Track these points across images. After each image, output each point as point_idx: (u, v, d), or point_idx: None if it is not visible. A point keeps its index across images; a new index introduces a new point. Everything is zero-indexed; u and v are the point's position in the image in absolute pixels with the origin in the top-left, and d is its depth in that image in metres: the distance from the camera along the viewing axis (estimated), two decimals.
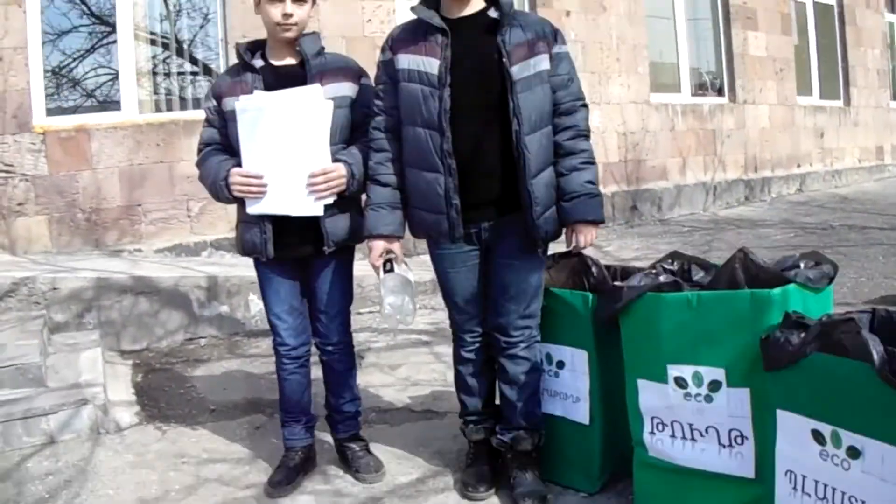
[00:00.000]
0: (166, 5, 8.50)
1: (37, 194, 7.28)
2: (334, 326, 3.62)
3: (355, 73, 3.52)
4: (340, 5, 8.61)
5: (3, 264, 6.61)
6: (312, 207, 3.30)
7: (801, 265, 3.02)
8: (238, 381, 5.37)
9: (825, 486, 2.53)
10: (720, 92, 12.60)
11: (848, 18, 14.91)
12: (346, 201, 3.41)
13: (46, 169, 7.31)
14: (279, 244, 3.41)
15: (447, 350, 3.64)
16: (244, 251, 3.57)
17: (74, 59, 8.16)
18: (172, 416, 4.78)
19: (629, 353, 3.18)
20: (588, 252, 3.41)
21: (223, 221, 7.55)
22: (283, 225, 3.38)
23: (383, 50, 3.32)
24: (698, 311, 2.91)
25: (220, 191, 3.39)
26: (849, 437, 2.44)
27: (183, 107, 8.29)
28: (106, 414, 4.56)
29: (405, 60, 3.19)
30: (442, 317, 5.31)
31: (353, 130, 3.47)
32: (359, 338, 5.59)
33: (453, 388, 3.70)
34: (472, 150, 3.15)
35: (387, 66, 3.28)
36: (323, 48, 3.52)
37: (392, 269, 3.24)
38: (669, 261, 3.35)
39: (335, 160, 3.33)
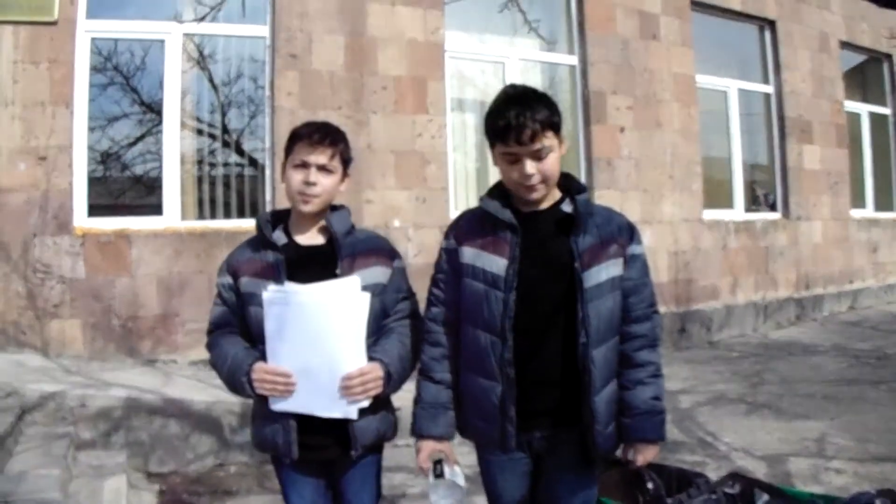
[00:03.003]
0: (218, 99, 8.50)
1: (72, 297, 7.24)
2: None
3: (388, 255, 3.21)
4: (391, 119, 8.59)
5: (34, 371, 6.53)
6: (345, 410, 2.99)
7: None
8: None
9: None
10: (773, 207, 12.39)
11: None
12: (378, 401, 3.09)
13: (84, 272, 7.28)
14: (303, 445, 3.07)
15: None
16: (262, 448, 3.22)
17: (123, 148, 8.18)
18: None
19: None
20: None
21: None
22: (307, 423, 3.04)
23: (447, 237, 3.08)
24: None
25: (241, 387, 3.04)
26: None
27: (227, 214, 8.23)
28: None
29: (470, 255, 2.96)
30: None
31: (384, 317, 3.16)
32: (394, 480, 5.37)
33: None
34: (531, 357, 2.89)
35: (450, 256, 3.04)
36: (353, 225, 3.22)
37: (442, 473, 2.93)
38: (731, 483, 3.09)
39: (370, 358, 3.01)
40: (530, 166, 2.82)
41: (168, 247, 7.53)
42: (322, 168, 3.07)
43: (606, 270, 2.90)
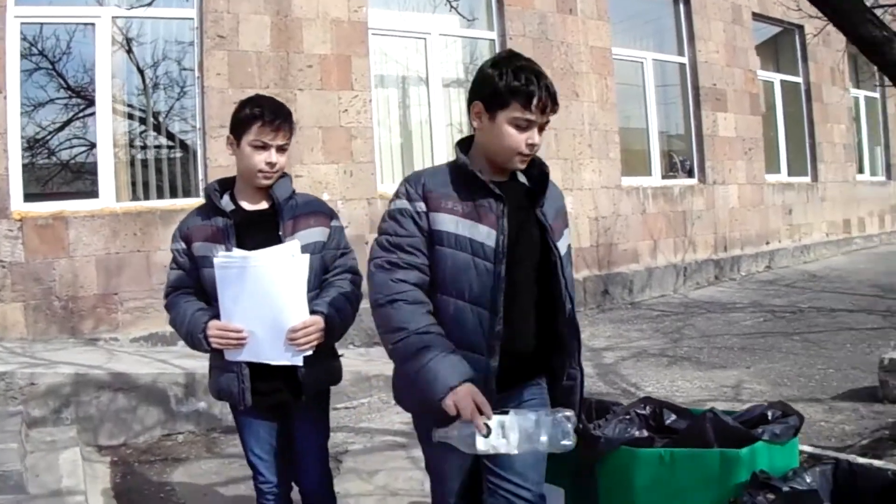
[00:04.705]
0: (143, 81, 8.60)
1: (13, 281, 7.29)
2: (315, 467, 3.56)
3: (326, 216, 3.49)
4: (317, 96, 8.80)
5: None
6: (292, 358, 3.29)
7: (769, 415, 3.12)
8: (218, 485, 5.36)
9: None
10: (690, 173, 12.86)
11: (814, 95, 15.23)
12: (323, 349, 3.37)
13: (23, 256, 7.34)
14: (256, 391, 3.36)
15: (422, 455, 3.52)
16: (219, 397, 3.51)
17: (51, 133, 8.24)
18: None
19: (604, 501, 3.24)
20: None
21: None
22: (259, 371, 3.34)
23: (411, 199, 2.81)
24: (671, 467, 3.00)
25: (199, 343, 3.33)
26: None
27: (160, 194, 8.39)
28: None
29: (451, 222, 2.76)
30: None
31: (324, 273, 3.46)
32: (336, 438, 5.59)
33: (430, 500, 3.28)
34: (513, 328, 2.78)
35: (419, 219, 2.78)
36: (294, 191, 3.51)
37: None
38: (642, 405, 3.42)
39: (312, 311, 3.29)
40: (538, 136, 2.77)
41: (105, 227, 7.65)
42: (280, 148, 3.38)
43: (565, 240, 2.95)
